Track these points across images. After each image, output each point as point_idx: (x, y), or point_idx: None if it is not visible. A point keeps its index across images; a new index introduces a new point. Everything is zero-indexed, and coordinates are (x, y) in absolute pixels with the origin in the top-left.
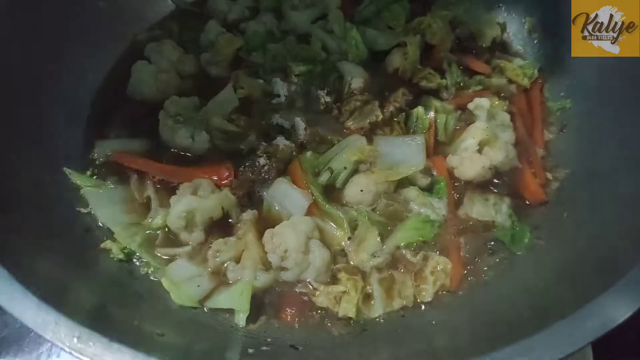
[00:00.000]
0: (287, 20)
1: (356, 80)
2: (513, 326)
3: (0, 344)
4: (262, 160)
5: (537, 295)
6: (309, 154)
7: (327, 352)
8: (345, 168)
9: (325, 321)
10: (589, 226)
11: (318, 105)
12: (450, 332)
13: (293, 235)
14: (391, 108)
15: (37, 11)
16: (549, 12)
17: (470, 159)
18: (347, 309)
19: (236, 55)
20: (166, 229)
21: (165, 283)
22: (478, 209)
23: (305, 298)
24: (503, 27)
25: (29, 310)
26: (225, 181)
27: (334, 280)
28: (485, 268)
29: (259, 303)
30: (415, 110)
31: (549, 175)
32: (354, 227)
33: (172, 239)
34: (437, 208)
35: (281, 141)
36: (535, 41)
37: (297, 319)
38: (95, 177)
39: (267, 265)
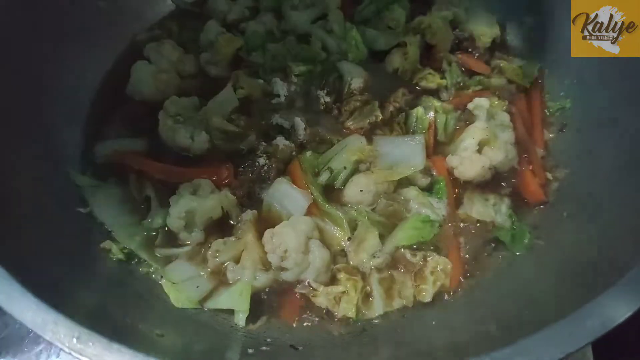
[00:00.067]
0: (287, 20)
1: (356, 80)
2: (513, 326)
3: None
4: (261, 160)
5: (537, 295)
6: (308, 154)
7: (326, 352)
8: (345, 168)
9: (325, 321)
10: (588, 226)
11: (318, 105)
12: (450, 332)
13: (293, 235)
14: (391, 108)
15: (37, 11)
16: (549, 12)
17: (470, 159)
18: (346, 309)
19: (236, 55)
20: (166, 229)
21: (164, 284)
22: (478, 209)
23: (305, 298)
24: (503, 27)
25: (28, 311)
26: (225, 181)
27: (333, 280)
28: (485, 268)
29: (259, 303)
30: (415, 110)
31: (549, 175)
32: (353, 227)
33: (171, 239)
34: (436, 208)
35: (281, 141)
36: (535, 41)
37: (296, 319)
38: (94, 177)
39: (266, 266)
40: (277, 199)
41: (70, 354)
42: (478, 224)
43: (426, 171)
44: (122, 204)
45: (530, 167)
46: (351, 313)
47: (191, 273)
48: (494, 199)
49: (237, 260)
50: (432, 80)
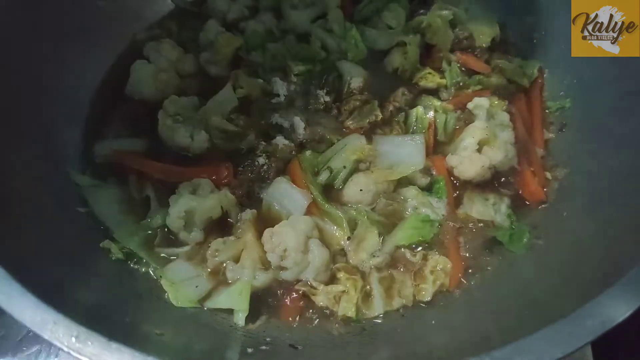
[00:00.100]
0: (286, 20)
1: (356, 79)
2: (513, 325)
3: None
4: (261, 160)
5: (537, 295)
6: (308, 153)
7: (326, 351)
8: (344, 167)
9: (324, 321)
10: (588, 226)
11: (317, 105)
12: (449, 332)
13: (292, 235)
14: (391, 107)
15: (37, 11)
16: (548, 12)
17: (469, 158)
18: (346, 308)
19: (235, 54)
20: (165, 229)
21: (163, 284)
22: (477, 208)
23: (305, 297)
24: (503, 27)
25: (27, 310)
26: (225, 181)
27: (333, 279)
28: (485, 267)
29: (258, 302)
30: (414, 109)
31: (549, 175)
32: (353, 227)
33: (171, 239)
34: (436, 207)
35: (280, 140)
36: (535, 41)
37: (296, 318)
38: (94, 176)
39: (266, 265)
40: (277, 199)
41: (69, 353)
42: (478, 224)
43: (426, 171)
44: (122, 203)
45: (530, 167)
46: (351, 312)
47: (190, 273)
48: (494, 198)
49: (236, 260)
50: (431, 79)
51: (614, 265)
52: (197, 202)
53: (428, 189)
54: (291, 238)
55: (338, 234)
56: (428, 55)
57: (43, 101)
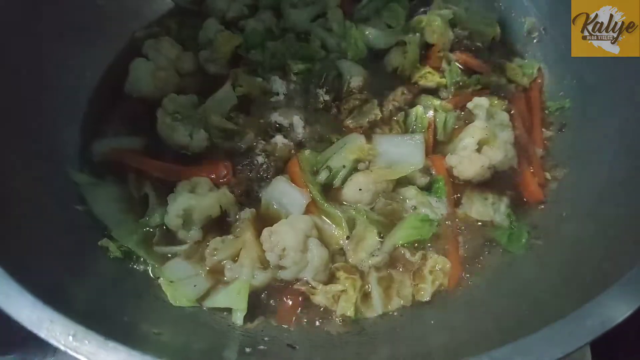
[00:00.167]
0: (286, 18)
1: (355, 78)
2: (512, 325)
3: None
4: (260, 159)
5: (536, 295)
6: (307, 152)
7: (324, 351)
8: (344, 167)
9: (323, 320)
10: (588, 226)
11: (317, 104)
12: (448, 332)
13: (291, 234)
14: (390, 107)
15: (36, 10)
16: (548, 12)
17: (469, 158)
18: (345, 308)
19: (235, 53)
20: (164, 227)
21: (162, 282)
22: (477, 208)
23: (304, 297)
24: (503, 27)
25: (24, 309)
26: (224, 179)
27: (332, 279)
28: (484, 267)
29: (257, 302)
30: (414, 109)
31: (548, 175)
32: (352, 226)
33: (169, 237)
34: (435, 207)
35: (280, 139)
36: (534, 41)
37: (294, 318)
38: (92, 175)
39: (265, 264)
40: (276, 198)
41: (65, 352)
42: (477, 223)
43: (425, 170)
44: (120, 202)
45: (530, 167)
46: (350, 312)
47: (189, 271)
48: (493, 198)
49: (235, 259)
50: (431, 79)
51: (614, 265)
52: (196, 200)
53: (427, 189)
54: (290, 237)
55: (337, 233)
56: (428, 54)
57: (42, 100)
